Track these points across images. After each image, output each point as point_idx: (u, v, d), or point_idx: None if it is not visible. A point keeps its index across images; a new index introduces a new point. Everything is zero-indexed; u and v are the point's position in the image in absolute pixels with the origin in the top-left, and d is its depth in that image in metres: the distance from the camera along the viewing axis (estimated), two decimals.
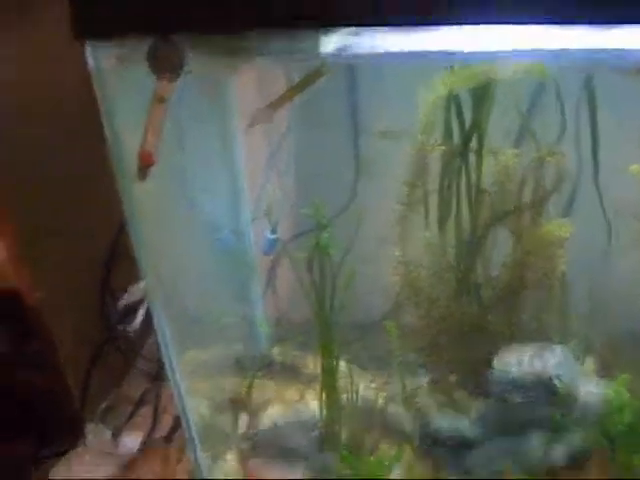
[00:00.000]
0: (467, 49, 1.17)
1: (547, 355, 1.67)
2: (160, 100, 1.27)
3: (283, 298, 2.28)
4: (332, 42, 1.18)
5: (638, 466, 1.61)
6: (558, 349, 1.69)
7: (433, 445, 1.77)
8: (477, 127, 1.63)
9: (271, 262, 2.21)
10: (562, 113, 1.65)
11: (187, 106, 1.44)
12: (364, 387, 1.95)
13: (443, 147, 1.67)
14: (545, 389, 1.65)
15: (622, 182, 1.64)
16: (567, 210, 1.78)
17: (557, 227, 1.65)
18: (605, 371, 1.85)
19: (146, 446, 2.09)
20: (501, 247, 1.80)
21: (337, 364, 1.79)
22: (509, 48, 1.17)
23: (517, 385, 1.66)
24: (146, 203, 1.45)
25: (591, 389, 1.72)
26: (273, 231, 2.02)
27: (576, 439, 1.70)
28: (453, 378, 1.90)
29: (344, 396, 1.84)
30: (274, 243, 2.02)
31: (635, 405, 1.64)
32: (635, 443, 1.63)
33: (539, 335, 1.82)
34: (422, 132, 1.64)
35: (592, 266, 1.79)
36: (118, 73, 1.29)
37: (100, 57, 1.27)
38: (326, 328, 1.73)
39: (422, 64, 1.38)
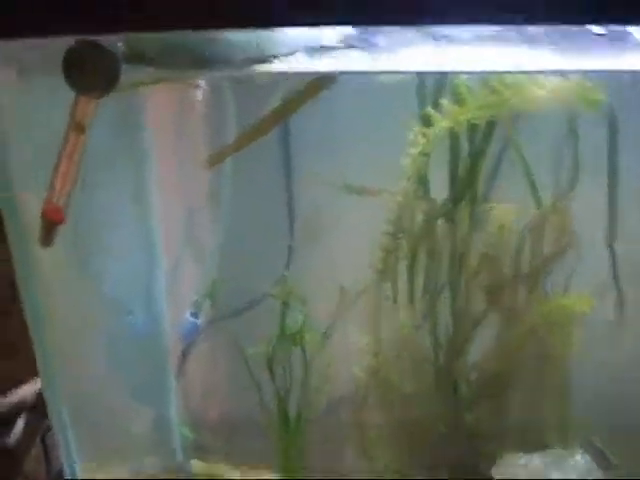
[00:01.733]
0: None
1: (568, 464, 1.33)
2: (79, 129, 0.87)
3: (200, 395, 1.83)
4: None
5: None
6: (581, 456, 1.35)
7: None
8: (474, 175, 1.30)
9: (182, 351, 1.77)
10: (575, 153, 1.33)
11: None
12: None
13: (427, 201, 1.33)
14: None
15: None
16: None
17: (576, 301, 1.32)
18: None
19: None
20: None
21: None
22: None
23: None
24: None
25: None
26: (195, 314, 1.63)
27: None
28: None
29: None
30: (195, 327, 1.63)
31: None
32: None
33: (536, 434, 1.49)
34: (409, 179, 1.28)
35: (598, 347, 1.48)
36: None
37: None
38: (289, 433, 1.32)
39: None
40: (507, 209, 1.36)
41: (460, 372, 1.48)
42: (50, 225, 0.90)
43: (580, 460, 1.34)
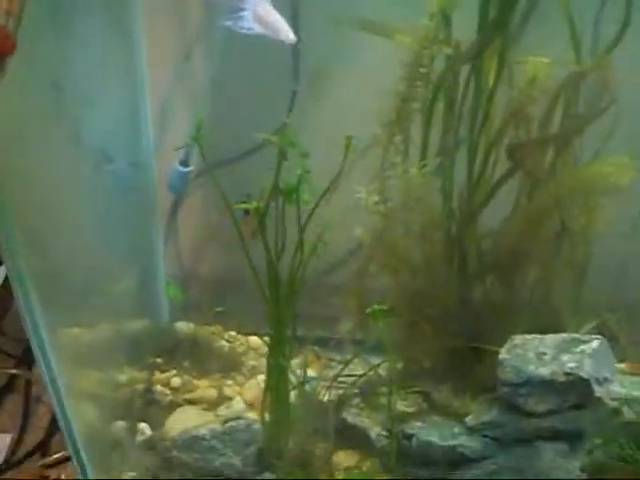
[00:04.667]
0: None
1: (580, 348, 1.21)
2: None
3: (189, 251, 1.71)
4: None
5: None
6: (593, 341, 1.23)
7: (416, 464, 1.30)
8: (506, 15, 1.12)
9: (172, 203, 1.63)
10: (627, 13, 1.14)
11: None
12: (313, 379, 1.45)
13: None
14: (577, 394, 1.20)
15: None
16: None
17: (616, 168, 1.16)
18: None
19: (16, 451, 1.54)
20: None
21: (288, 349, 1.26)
22: None
23: (539, 387, 1.20)
24: None
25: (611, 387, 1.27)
26: (184, 162, 1.48)
27: (598, 454, 1.27)
28: (433, 370, 1.41)
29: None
30: (185, 177, 1.49)
31: None
32: None
33: (546, 315, 1.38)
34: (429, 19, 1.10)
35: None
36: None
37: None
38: (277, 293, 1.19)
39: None
40: (542, 61, 1.18)
41: (472, 241, 1.35)
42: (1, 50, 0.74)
43: (593, 345, 1.22)
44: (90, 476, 1.25)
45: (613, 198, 1.21)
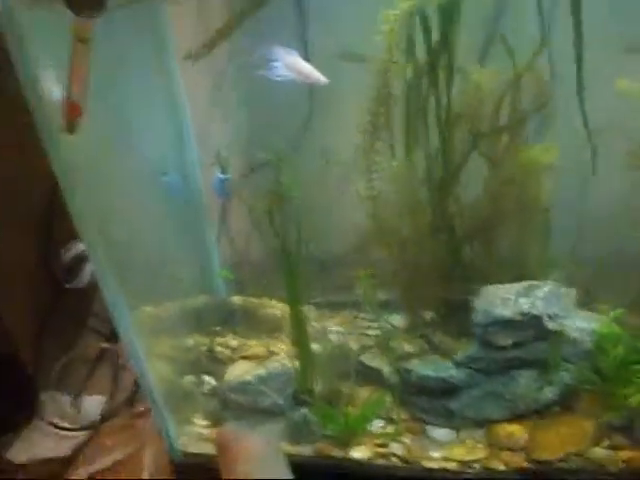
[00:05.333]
0: None
1: (534, 292, 1.54)
2: (82, 41, 1.07)
3: (238, 241, 2.10)
4: None
5: (630, 399, 1.51)
6: (545, 286, 1.56)
7: (417, 394, 1.65)
8: (446, 43, 1.45)
9: (222, 204, 2.02)
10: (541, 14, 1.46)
11: (116, 42, 1.24)
12: (337, 333, 1.83)
13: (408, 66, 1.50)
14: (534, 328, 1.53)
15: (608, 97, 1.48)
16: (544, 133, 1.61)
17: (541, 152, 1.49)
18: (590, 301, 1.73)
19: (108, 408, 1.95)
20: (475, 177, 1.65)
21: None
22: None
23: (503, 325, 1.53)
24: (76, 152, 1.27)
25: (580, 324, 1.60)
26: (224, 171, 1.85)
27: (565, 378, 1.59)
28: (432, 320, 1.76)
29: (316, 345, 1.71)
30: (226, 184, 1.86)
31: (627, 338, 1.53)
32: (627, 377, 1.52)
33: (520, 269, 1.70)
34: (386, 51, 1.44)
35: (574, 191, 1.64)
36: (31, 13, 1.09)
37: None
38: (290, 268, 1.57)
39: None
40: (486, 71, 1.51)
41: (453, 212, 1.67)
42: (70, 117, 1.12)
43: (545, 289, 1.55)
44: (166, 421, 1.64)
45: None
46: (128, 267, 1.51)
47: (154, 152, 1.67)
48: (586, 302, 1.69)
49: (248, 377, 1.71)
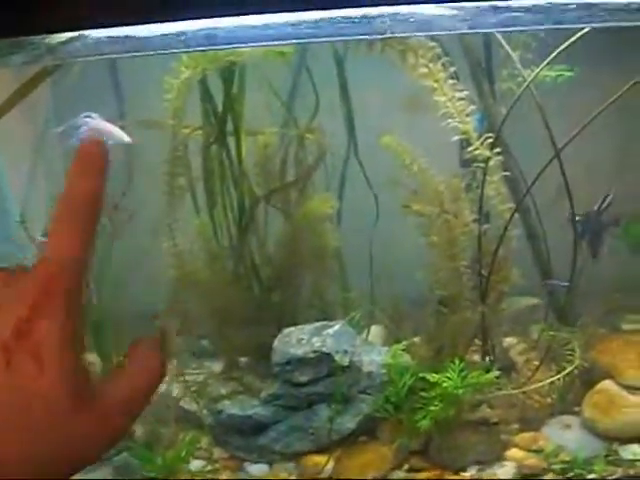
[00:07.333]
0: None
1: (326, 331, 1.69)
2: None
3: None
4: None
5: (422, 426, 1.64)
6: (336, 325, 1.71)
7: (228, 432, 1.76)
8: (230, 109, 1.60)
9: None
10: (315, 90, 1.64)
11: None
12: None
13: (197, 131, 1.64)
14: (325, 364, 1.67)
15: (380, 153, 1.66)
16: (340, 186, 1.79)
17: (320, 202, 1.65)
18: (393, 338, 1.88)
19: None
20: (275, 227, 1.80)
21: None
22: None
23: (298, 363, 1.67)
24: None
25: (374, 358, 1.75)
26: (45, 234, 1.92)
27: (363, 408, 1.72)
28: (246, 363, 1.89)
29: None
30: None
31: (414, 368, 1.68)
32: (417, 404, 1.66)
33: (322, 312, 1.85)
34: (172, 118, 1.58)
35: (367, 238, 1.81)
36: None
37: None
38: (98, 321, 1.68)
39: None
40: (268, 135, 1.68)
41: (256, 261, 1.82)
42: None
43: (335, 328, 1.70)
44: None
45: None
46: None
47: None
48: (391, 340, 1.85)
49: None
